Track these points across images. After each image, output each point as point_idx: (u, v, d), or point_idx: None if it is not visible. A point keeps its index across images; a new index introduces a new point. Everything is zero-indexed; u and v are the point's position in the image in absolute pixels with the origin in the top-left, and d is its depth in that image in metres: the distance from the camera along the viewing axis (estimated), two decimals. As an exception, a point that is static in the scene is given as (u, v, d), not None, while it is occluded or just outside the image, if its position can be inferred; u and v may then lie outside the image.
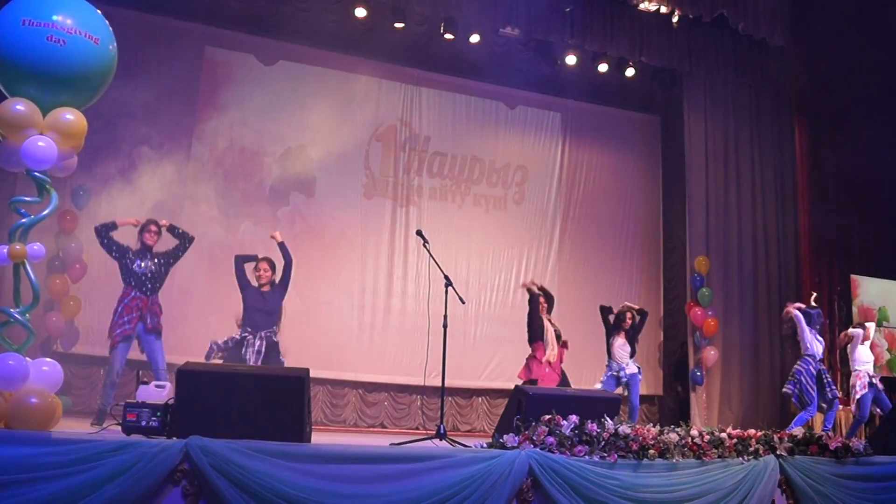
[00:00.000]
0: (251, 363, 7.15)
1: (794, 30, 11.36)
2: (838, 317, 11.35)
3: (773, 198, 11.79)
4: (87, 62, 4.61)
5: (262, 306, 7.40)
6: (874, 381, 8.89)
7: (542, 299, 8.51)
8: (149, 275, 7.27)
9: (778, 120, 11.99)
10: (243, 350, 7.26)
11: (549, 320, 8.51)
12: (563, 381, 8.32)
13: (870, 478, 6.16)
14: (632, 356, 8.74)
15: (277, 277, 7.58)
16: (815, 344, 8.50)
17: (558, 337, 8.42)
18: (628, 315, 8.79)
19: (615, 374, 8.63)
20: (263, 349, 7.28)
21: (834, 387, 8.52)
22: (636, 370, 8.71)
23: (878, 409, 9.08)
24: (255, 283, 7.50)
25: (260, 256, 7.66)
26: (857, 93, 11.69)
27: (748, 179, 11.70)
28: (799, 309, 8.74)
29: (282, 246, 7.61)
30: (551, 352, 8.28)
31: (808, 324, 8.60)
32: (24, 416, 4.21)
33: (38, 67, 4.43)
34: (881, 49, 11.54)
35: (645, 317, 9.08)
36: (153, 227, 7.41)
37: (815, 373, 8.39)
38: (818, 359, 8.48)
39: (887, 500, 6.09)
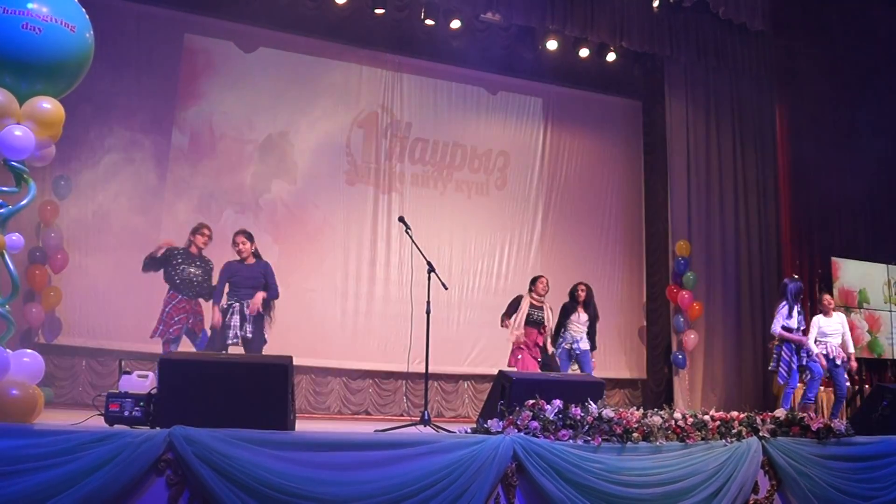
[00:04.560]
0: (237, 329, 7.27)
1: (774, 15, 11.38)
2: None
3: (753, 181, 11.84)
4: (64, 50, 4.55)
5: (250, 282, 7.52)
6: (831, 355, 8.70)
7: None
8: (195, 281, 7.45)
9: (758, 103, 12.02)
10: (227, 318, 7.36)
11: (538, 303, 8.65)
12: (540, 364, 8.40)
13: (851, 458, 6.20)
14: (591, 325, 8.87)
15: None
16: (794, 319, 8.50)
17: (537, 322, 8.53)
18: (580, 288, 8.99)
19: (568, 346, 8.79)
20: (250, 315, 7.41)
21: (809, 353, 8.47)
22: (587, 347, 8.81)
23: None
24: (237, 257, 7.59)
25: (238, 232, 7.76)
26: (837, 77, 11.74)
27: (729, 163, 11.75)
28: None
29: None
30: (518, 332, 8.44)
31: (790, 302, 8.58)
32: (4, 408, 4.18)
33: (13, 56, 4.37)
34: (861, 33, 11.57)
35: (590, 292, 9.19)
36: (206, 232, 7.55)
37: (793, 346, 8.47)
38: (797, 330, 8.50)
39: (869, 479, 6.13)
